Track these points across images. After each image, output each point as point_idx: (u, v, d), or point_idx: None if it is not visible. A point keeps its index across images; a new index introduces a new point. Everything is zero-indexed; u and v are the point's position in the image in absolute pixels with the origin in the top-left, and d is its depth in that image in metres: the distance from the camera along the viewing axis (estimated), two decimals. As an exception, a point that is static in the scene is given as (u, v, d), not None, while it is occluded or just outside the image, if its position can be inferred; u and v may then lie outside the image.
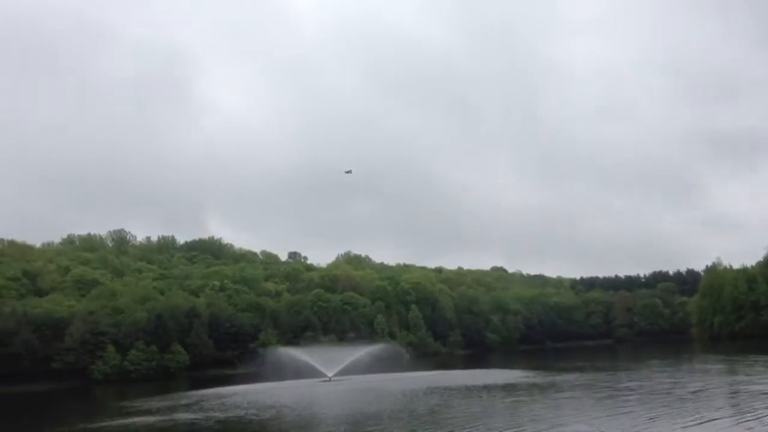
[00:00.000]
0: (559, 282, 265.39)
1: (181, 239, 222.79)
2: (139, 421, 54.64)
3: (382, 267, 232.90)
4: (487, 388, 61.68)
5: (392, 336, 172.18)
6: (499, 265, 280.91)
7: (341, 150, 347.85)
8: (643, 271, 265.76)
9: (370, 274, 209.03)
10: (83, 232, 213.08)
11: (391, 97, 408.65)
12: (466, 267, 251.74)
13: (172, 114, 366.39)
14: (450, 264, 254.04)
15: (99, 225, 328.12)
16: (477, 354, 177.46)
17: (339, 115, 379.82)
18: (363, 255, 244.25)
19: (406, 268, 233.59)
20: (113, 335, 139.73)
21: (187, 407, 63.91)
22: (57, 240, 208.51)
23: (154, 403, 72.63)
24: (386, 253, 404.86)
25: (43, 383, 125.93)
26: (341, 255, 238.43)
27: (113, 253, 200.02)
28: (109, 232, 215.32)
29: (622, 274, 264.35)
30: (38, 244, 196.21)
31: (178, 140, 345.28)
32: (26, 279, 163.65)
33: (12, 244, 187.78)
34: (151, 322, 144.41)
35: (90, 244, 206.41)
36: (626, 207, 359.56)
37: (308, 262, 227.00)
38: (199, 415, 55.23)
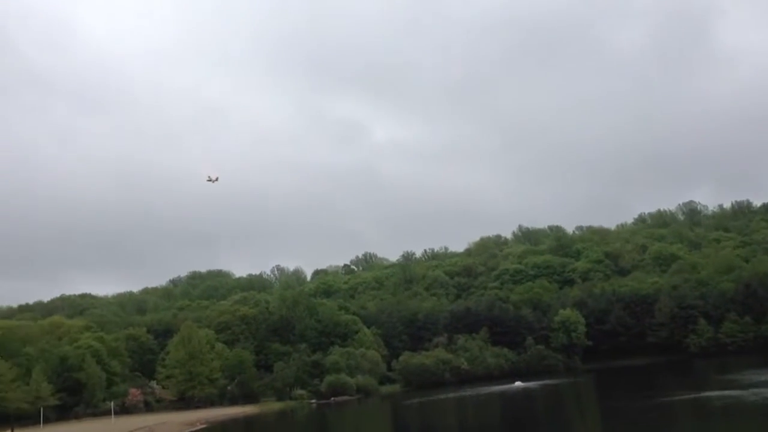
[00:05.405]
0: None
1: (757, 201, 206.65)
2: (739, 396, 52.75)
3: None
4: None
5: None
6: None
7: None
8: None
9: None
10: (652, 209, 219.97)
11: None
12: None
13: (697, 70, 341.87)
14: None
15: (667, 200, 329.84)
16: None
17: None
18: None
19: None
20: (701, 308, 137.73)
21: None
22: (629, 220, 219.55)
23: (755, 376, 69.06)
24: None
25: (639, 357, 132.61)
26: None
27: (686, 226, 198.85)
28: (679, 205, 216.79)
29: None
30: (612, 227, 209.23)
31: (707, 95, 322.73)
32: (608, 260, 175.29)
33: (590, 229, 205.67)
34: (739, 292, 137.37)
35: (661, 220, 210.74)
36: None
37: None
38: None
